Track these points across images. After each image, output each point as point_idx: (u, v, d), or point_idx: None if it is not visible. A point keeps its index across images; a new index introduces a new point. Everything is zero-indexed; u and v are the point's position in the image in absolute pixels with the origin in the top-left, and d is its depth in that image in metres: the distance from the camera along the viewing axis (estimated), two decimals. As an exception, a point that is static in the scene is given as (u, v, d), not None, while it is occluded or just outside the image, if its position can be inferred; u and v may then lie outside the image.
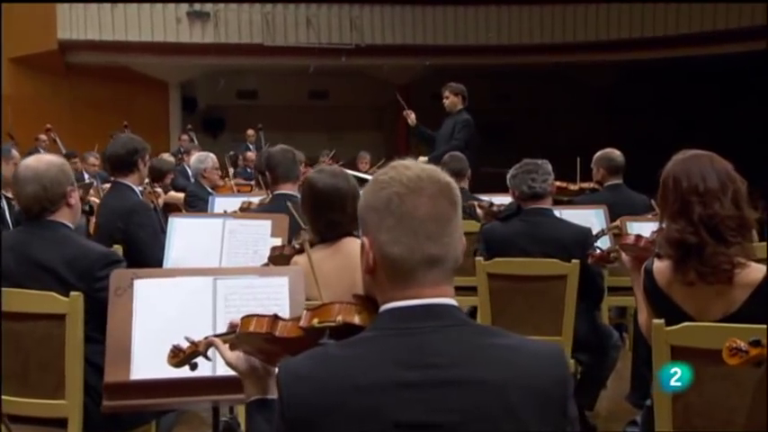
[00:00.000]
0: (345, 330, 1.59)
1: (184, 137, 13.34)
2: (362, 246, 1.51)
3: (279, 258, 3.40)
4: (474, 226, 4.65)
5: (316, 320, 1.67)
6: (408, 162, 1.54)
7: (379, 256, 1.48)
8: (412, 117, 7.87)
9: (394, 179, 1.48)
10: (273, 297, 2.60)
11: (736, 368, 2.17)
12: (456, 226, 1.50)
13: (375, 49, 16.36)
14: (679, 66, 15.73)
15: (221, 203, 5.21)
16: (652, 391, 2.56)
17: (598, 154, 5.55)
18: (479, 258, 3.87)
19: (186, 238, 3.95)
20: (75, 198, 2.89)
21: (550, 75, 17.65)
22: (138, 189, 4.29)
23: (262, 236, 3.97)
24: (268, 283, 2.61)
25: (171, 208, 6.86)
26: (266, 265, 3.45)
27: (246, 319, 1.83)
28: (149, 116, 15.80)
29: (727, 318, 2.47)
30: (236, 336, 1.84)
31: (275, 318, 1.80)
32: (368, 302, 1.60)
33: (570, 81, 17.94)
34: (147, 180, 7.36)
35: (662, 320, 2.44)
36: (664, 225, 2.59)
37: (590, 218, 4.87)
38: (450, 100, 7.54)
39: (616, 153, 5.50)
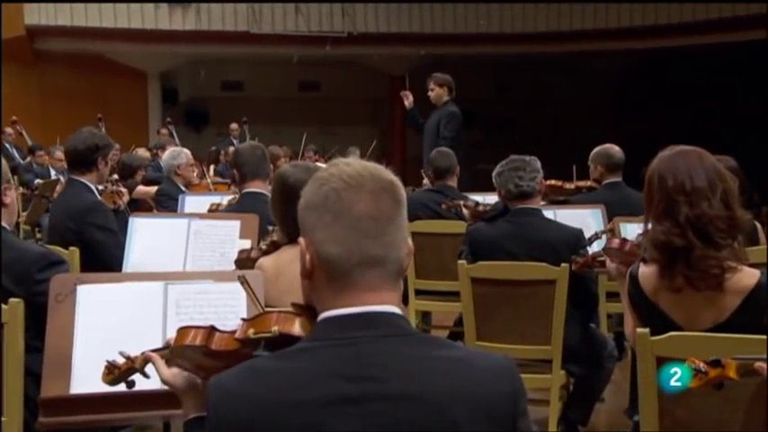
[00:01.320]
0: (283, 342, 1.58)
1: (164, 131, 13.35)
2: (300, 248, 1.51)
3: (246, 262, 3.39)
4: (460, 227, 4.64)
5: (251, 331, 1.66)
6: (351, 159, 1.56)
7: (316, 257, 1.48)
8: (410, 99, 7.86)
9: (333, 175, 1.49)
10: (230, 304, 2.59)
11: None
12: (399, 226, 1.50)
13: (368, 37, 16.37)
14: (696, 55, 15.69)
15: (192, 203, 5.19)
16: (639, 405, 2.54)
17: (595, 150, 5.56)
18: (462, 262, 3.87)
19: (148, 239, 3.94)
20: (10, 197, 2.86)
21: (556, 65, 17.65)
22: (95, 188, 4.26)
23: (229, 237, 3.96)
24: (224, 288, 2.60)
25: (142, 207, 6.85)
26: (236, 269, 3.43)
27: (182, 331, 1.82)
28: (126, 109, 15.80)
29: (717, 327, 2.46)
30: (171, 350, 1.83)
31: (212, 329, 1.79)
32: (307, 311, 1.60)
33: (577, 71, 17.93)
34: (113, 178, 7.38)
35: (646, 330, 2.42)
36: (649, 227, 2.58)
37: (586, 218, 4.86)
38: (436, 92, 7.54)
39: (615, 149, 5.50)
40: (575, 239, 3.90)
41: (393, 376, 1.40)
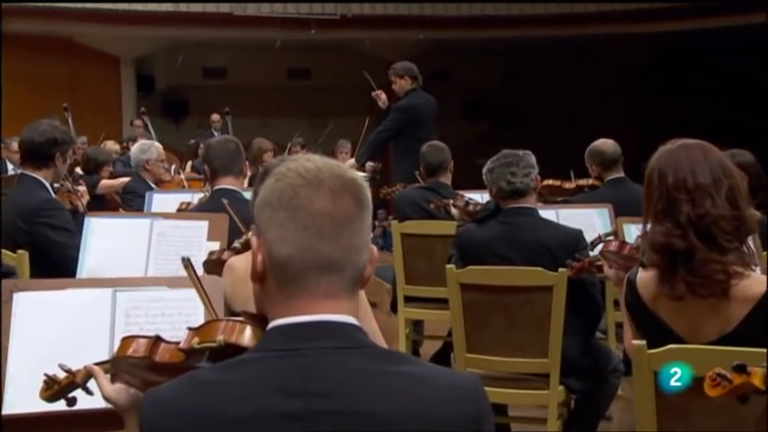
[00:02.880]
0: (231, 353, 1.58)
1: (137, 122, 13.31)
2: (252, 248, 1.52)
3: (214, 265, 3.38)
4: (454, 228, 4.64)
5: (196, 340, 1.66)
6: (312, 155, 1.57)
7: (267, 258, 1.49)
8: (383, 98, 7.90)
9: (291, 170, 1.50)
10: (186, 312, 2.58)
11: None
12: (360, 229, 1.51)
13: (362, 20, 16.34)
14: (722, 38, 15.63)
15: (160, 201, 5.17)
16: (636, 423, 2.54)
17: (588, 149, 5.60)
18: (450, 266, 3.86)
19: (105, 241, 3.92)
20: None
21: (569, 50, 17.65)
22: (49, 186, 4.24)
23: (196, 239, 3.95)
24: (179, 295, 2.60)
25: (109, 206, 6.84)
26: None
27: (125, 341, 1.82)
28: (97, 98, 15.78)
29: (722, 338, 2.44)
30: (112, 361, 1.82)
31: (157, 339, 1.78)
32: (259, 320, 1.60)
33: (592, 58, 17.94)
34: (77, 173, 7.37)
35: (643, 342, 2.41)
36: (648, 228, 2.56)
37: (592, 218, 4.86)
38: (398, 84, 7.57)
39: (608, 143, 5.55)
40: (573, 241, 3.89)
41: (342, 392, 1.40)
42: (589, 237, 4.04)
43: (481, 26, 16.30)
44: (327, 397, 1.39)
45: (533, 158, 4.08)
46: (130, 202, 6.18)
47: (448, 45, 16.75)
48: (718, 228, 2.43)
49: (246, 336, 1.62)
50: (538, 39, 16.57)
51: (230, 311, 2.66)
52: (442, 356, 4.96)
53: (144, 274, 3.85)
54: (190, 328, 1.72)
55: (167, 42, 17.06)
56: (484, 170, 4.15)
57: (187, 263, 1.93)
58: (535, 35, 16.40)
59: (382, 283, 7.17)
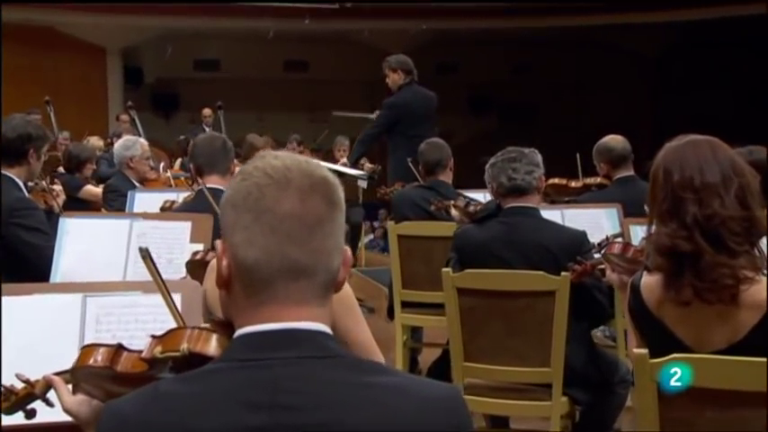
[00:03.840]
0: (196, 362, 1.57)
1: (124, 117, 13.32)
2: (216, 252, 1.52)
3: (197, 267, 3.37)
4: (451, 229, 4.63)
5: (158, 349, 1.65)
6: (282, 153, 1.55)
7: (233, 263, 1.48)
8: None
9: (258, 168, 1.50)
10: (161, 319, 2.55)
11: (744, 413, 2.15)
12: (332, 231, 1.50)
13: (362, 10, 16.32)
14: (746, 28, 15.59)
15: (143, 200, 5.18)
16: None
17: (596, 145, 5.60)
18: (446, 270, 3.85)
19: (82, 243, 3.91)
20: None
21: (582, 41, 17.64)
22: (23, 185, 4.24)
23: (179, 241, 3.94)
24: (155, 300, 2.56)
25: (92, 206, 6.83)
26: (184, 277, 3.41)
27: (86, 349, 1.81)
28: (81, 91, 15.82)
29: (732, 347, 2.43)
30: (71, 371, 1.81)
31: (119, 348, 1.78)
32: (226, 328, 1.59)
33: (608, 49, 17.92)
34: (59, 171, 7.37)
35: (644, 351, 2.40)
36: (653, 229, 2.55)
37: (600, 219, 4.86)
38: (391, 78, 7.67)
39: (616, 139, 5.54)
40: (577, 243, 3.88)
41: (311, 405, 1.39)
42: (596, 239, 4.03)
43: (488, 16, 16.28)
44: (295, 410, 1.38)
45: (539, 157, 4.08)
46: (112, 201, 6.17)
47: (453, 36, 16.75)
48: (727, 229, 2.41)
49: (213, 345, 1.61)
50: (549, 29, 16.56)
51: (211, 316, 2.66)
52: (442, 365, 4.94)
53: (122, 278, 3.84)
54: (153, 336, 1.71)
55: (157, 32, 17.09)
56: (486, 166, 4.15)
57: (145, 253, 1.92)
58: (546, 25, 16.38)
59: (381, 287, 7.18)
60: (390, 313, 5.50)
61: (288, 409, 1.38)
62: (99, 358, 1.76)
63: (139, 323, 2.55)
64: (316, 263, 1.47)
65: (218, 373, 1.43)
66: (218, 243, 1.51)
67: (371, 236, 10.98)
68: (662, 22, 16.37)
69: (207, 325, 1.66)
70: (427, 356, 5.77)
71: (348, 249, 1.55)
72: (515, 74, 19.17)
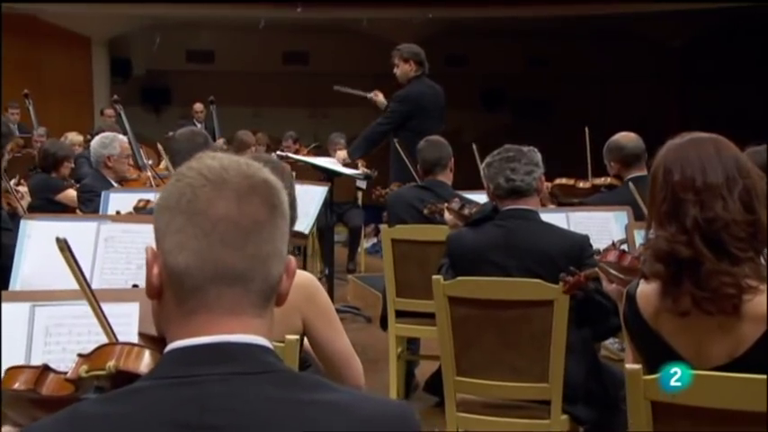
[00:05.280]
0: (125, 381, 1.56)
1: (109, 112, 13.32)
2: (146, 259, 1.52)
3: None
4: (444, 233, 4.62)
5: (84, 368, 1.63)
6: (221, 153, 1.56)
7: (164, 269, 1.48)
8: (380, 98, 7.95)
9: (193, 169, 1.51)
10: (117, 330, 2.51)
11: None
12: (271, 237, 1.50)
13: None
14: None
15: (118, 201, 5.15)
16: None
17: (607, 143, 5.59)
18: (437, 277, 3.84)
19: (44, 247, 3.88)
20: None
21: (603, 32, 17.58)
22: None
23: (149, 245, 3.92)
24: (112, 310, 2.54)
25: (68, 208, 6.83)
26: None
27: (10, 372, 1.80)
28: (64, 83, 15.83)
29: (733, 362, 2.41)
30: None
31: (44, 369, 1.77)
32: (159, 342, 1.59)
33: (630, 39, 17.85)
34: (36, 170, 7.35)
35: (637, 366, 2.38)
36: (651, 234, 2.53)
37: (608, 223, 4.83)
38: (400, 68, 7.63)
39: (629, 137, 5.54)
40: (578, 248, 3.88)
41: (242, 425, 1.38)
42: (603, 244, 3.98)
43: (501, 5, 16.21)
44: (222, 430, 1.37)
45: (539, 156, 4.08)
46: (88, 202, 6.16)
47: (464, 26, 16.70)
48: (729, 234, 2.39)
49: (144, 361, 1.60)
50: (567, 18, 16.48)
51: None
52: (439, 379, 4.92)
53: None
54: (80, 355, 1.69)
55: (146, 21, 17.05)
56: (482, 165, 4.13)
57: (63, 245, 1.90)
58: (564, 14, 16.31)
59: (379, 295, 7.14)
60: (384, 323, 5.47)
61: (214, 430, 1.37)
62: (23, 380, 1.74)
63: (93, 335, 2.51)
64: (252, 269, 1.47)
65: (143, 392, 1.42)
66: (149, 249, 1.51)
67: (374, 239, 10.95)
68: (688, 10, 16.28)
69: (141, 340, 1.64)
70: (426, 369, 5.75)
71: (292, 259, 1.54)
72: (531, 66, 19.10)
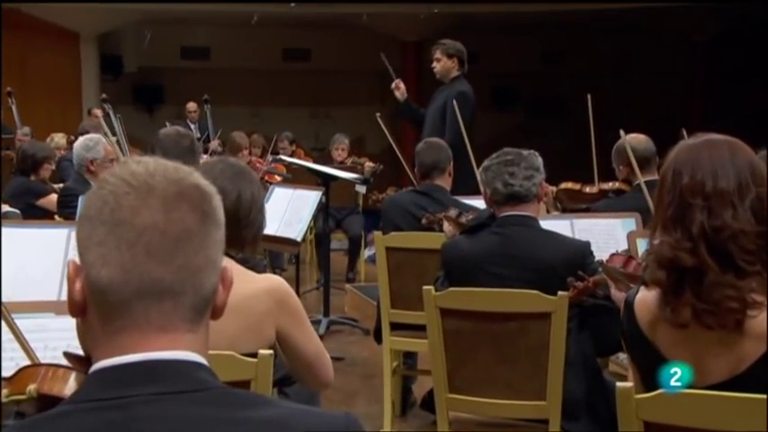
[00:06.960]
0: (48, 406, 1.55)
1: (97, 111, 13.33)
2: (67, 274, 1.49)
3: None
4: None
5: (5, 393, 1.61)
6: (147, 158, 1.53)
7: (87, 284, 1.45)
8: (402, 89, 7.93)
9: (116, 175, 1.48)
10: (75, 344, 2.52)
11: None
12: (203, 246, 1.47)
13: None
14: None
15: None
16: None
17: (615, 145, 5.57)
18: (428, 288, 3.82)
19: (14, 254, 3.88)
20: None
21: (622, 27, 17.57)
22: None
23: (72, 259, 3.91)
24: (70, 324, 2.54)
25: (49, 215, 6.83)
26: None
27: None
28: (51, 81, 15.88)
29: (733, 380, 2.39)
30: None
31: None
32: (85, 363, 1.57)
33: (652, 35, 17.84)
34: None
35: (629, 385, 2.36)
36: (655, 240, 2.51)
37: (615, 231, 4.81)
38: (442, 64, 7.60)
39: (639, 139, 5.51)
40: (579, 256, 3.85)
41: None
42: (606, 254, 3.96)
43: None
44: None
45: (539, 160, 4.08)
46: (69, 208, 6.16)
47: (475, 21, 16.69)
48: (737, 245, 2.36)
49: (69, 384, 1.58)
50: (583, 12, 16.46)
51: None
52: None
53: (58, 297, 3.82)
54: (3, 378, 1.68)
55: (138, 15, 17.09)
56: (479, 169, 4.12)
57: None
58: (580, 8, 16.29)
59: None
60: (377, 336, 5.45)
61: None
62: None
63: (49, 350, 2.52)
64: (182, 282, 1.44)
65: (66, 417, 1.40)
66: (70, 263, 1.48)
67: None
68: (713, 4, 16.27)
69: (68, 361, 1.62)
70: (425, 385, 5.73)
71: (228, 269, 1.52)
72: (545, 64, 19.12)
